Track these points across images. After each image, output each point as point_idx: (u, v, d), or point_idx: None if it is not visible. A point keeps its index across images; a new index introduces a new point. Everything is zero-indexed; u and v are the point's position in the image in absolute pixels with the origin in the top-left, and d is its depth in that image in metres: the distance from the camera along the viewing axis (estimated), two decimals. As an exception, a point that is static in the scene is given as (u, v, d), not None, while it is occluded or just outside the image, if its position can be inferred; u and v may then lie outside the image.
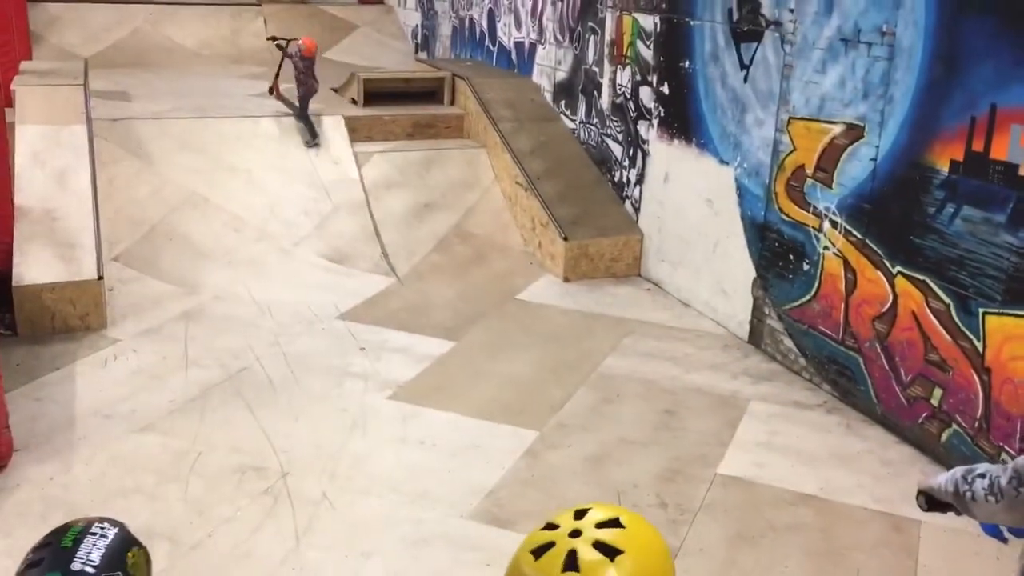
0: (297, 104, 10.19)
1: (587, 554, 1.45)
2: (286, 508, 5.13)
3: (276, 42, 10.83)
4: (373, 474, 5.54)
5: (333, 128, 10.19)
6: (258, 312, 7.82)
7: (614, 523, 1.50)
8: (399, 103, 11.05)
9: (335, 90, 11.93)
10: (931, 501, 2.36)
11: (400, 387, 6.66)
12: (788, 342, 7.14)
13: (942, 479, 2.29)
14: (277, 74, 10.76)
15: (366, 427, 6.09)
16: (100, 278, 7.37)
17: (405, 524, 5.05)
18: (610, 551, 1.45)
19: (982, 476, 2.17)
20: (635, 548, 1.47)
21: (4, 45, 9.11)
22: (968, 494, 2.17)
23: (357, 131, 10.31)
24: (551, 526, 1.52)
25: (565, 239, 8.84)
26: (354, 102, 11.09)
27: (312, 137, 9.98)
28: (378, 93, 11.12)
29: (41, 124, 8.61)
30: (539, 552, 1.48)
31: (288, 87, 10.43)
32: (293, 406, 6.31)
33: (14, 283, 7.14)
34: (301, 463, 5.58)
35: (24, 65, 10.62)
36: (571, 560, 1.44)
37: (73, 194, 8.00)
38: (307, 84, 10.15)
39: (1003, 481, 2.11)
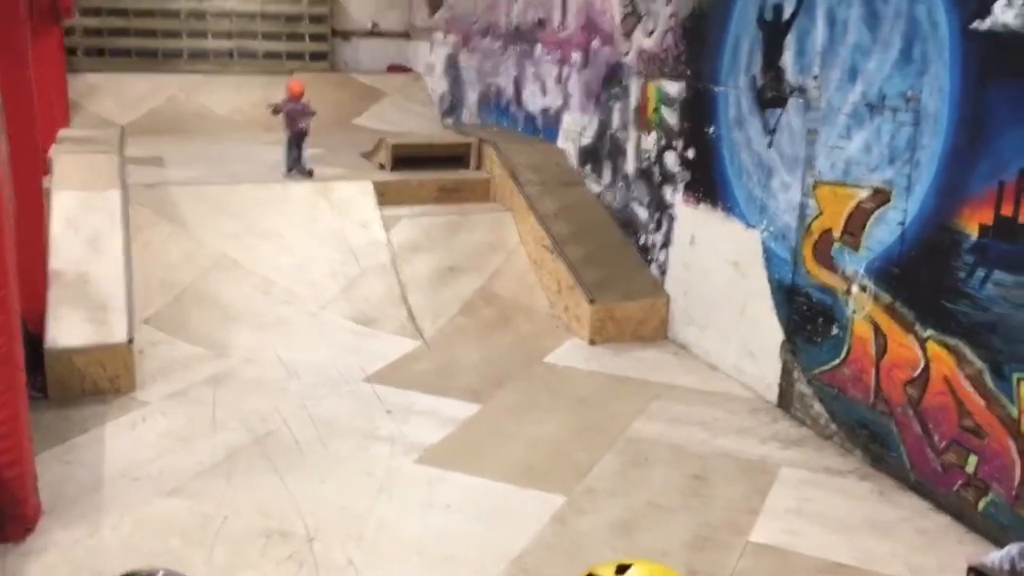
0: (308, 171, 10.51)
1: None
2: (311, 574, 5.08)
3: (273, 108, 10.78)
4: (399, 539, 5.49)
5: (361, 193, 10.33)
6: (285, 374, 7.86)
7: None
8: (426, 168, 11.20)
9: (364, 155, 12.13)
10: None
11: (426, 450, 6.63)
12: (818, 406, 7.06)
13: (995, 556, 2.23)
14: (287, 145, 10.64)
15: (392, 491, 6.06)
16: (130, 341, 7.45)
17: (431, 591, 4.99)
18: None
19: None
20: None
21: (43, 115, 9.37)
22: None
23: (385, 195, 10.45)
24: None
25: (591, 302, 8.85)
26: (382, 167, 11.26)
27: (288, 168, 10.48)
28: (406, 158, 11.29)
29: (77, 190, 8.81)
30: None
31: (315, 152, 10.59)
32: (319, 469, 6.29)
33: (46, 346, 7.22)
34: (327, 527, 5.54)
35: (62, 133, 10.92)
36: None
37: (106, 258, 8.13)
38: (293, 125, 10.44)
39: None
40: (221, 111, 14.93)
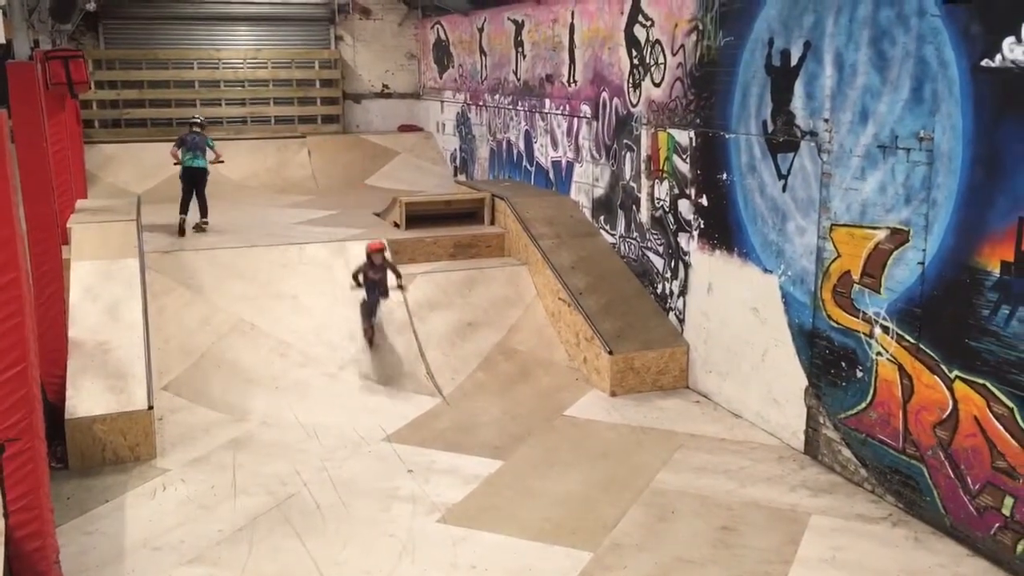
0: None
1: None
2: (336, 641, 4.98)
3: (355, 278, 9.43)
4: (424, 602, 5.39)
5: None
6: (305, 436, 7.80)
7: None
8: (440, 225, 11.26)
9: (378, 215, 12.21)
10: None
11: (449, 509, 6.54)
12: (846, 452, 6.93)
13: None
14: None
15: (415, 552, 5.96)
16: (150, 408, 7.43)
17: (459, 655, 4.87)
18: None
19: None
20: None
21: (61, 186, 9.49)
22: None
23: (400, 253, 10.48)
24: None
25: (610, 353, 8.79)
26: (396, 225, 11.32)
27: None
28: (420, 216, 11.35)
29: (94, 259, 8.88)
30: None
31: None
32: (341, 532, 6.21)
33: (66, 416, 7.21)
34: (351, 593, 5.44)
35: (80, 203, 11.04)
36: None
37: (124, 326, 8.16)
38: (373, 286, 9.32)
39: None
40: (235, 176, 15.09)
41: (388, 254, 9.73)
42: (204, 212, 11.41)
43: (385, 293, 9.37)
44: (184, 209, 11.22)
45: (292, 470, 7.14)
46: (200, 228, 11.21)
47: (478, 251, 11.04)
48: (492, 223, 11.56)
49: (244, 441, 7.70)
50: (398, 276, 9.47)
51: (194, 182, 11.38)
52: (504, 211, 11.29)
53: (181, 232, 10.99)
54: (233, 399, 8.35)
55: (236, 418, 8.09)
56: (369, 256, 9.31)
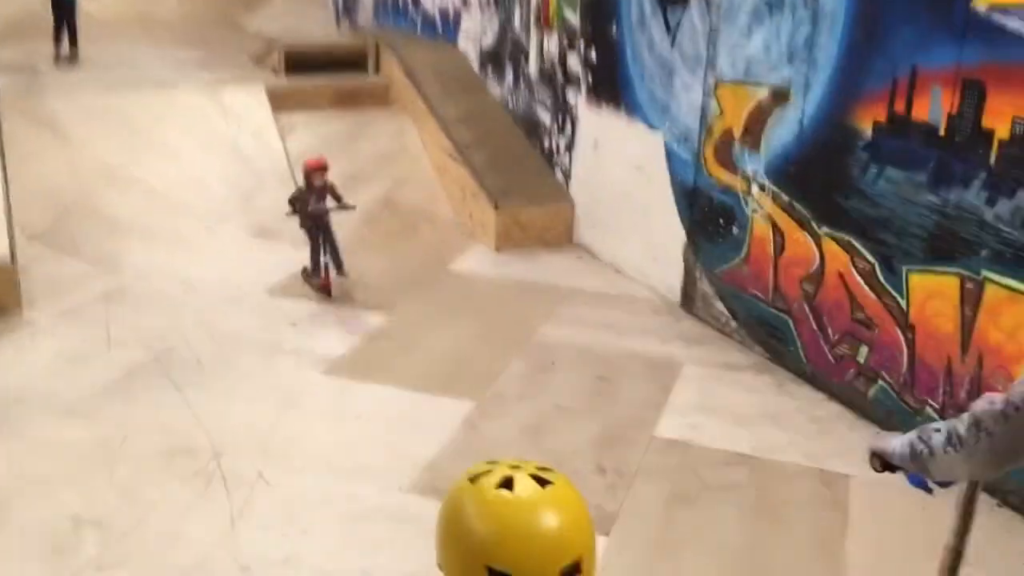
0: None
1: (522, 480, 1.57)
2: (219, 490, 5.01)
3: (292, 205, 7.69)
4: (308, 451, 5.45)
5: (254, 99, 9.93)
6: (183, 290, 7.61)
7: (550, 472, 1.63)
8: (322, 72, 10.81)
9: (254, 59, 11.62)
10: (884, 463, 2.33)
11: (333, 362, 6.56)
12: (719, 305, 7.23)
13: (896, 443, 2.27)
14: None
15: (299, 404, 5.98)
16: (12, 258, 7.06)
17: (342, 500, 4.98)
18: (543, 481, 1.57)
19: (938, 431, 2.13)
20: (565, 484, 1.59)
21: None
22: (925, 451, 2.15)
23: (279, 102, 10.06)
24: (491, 463, 1.65)
25: (496, 208, 8.78)
26: (275, 72, 10.82)
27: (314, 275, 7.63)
28: (300, 62, 10.87)
29: (-58, 99, 8.22)
30: (476, 478, 1.61)
31: None
32: (223, 385, 6.16)
33: (-80, 266, 6.81)
34: (233, 443, 5.44)
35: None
36: (506, 483, 1.57)
37: (-20, 172, 7.65)
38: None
39: (962, 430, 2.05)
40: (99, 14, 14.00)
41: (330, 176, 7.62)
42: (74, 40, 10.99)
43: (330, 234, 7.36)
44: (57, 38, 10.99)
45: (170, 324, 6.98)
46: (69, 59, 10.81)
47: (361, 101, 10.69)
48: (377, 72, 11.18)
49: (117, 293, 7.45)
50: (340, 203, 7.61)
51: (61, 7, 11.03)
52: (389, 60, 10.90)
53: (58, 60, 10.85)
54: (104, 251, 8.01)
55: (107, 270, 7.79)
56: (307, 177, 7.48)
